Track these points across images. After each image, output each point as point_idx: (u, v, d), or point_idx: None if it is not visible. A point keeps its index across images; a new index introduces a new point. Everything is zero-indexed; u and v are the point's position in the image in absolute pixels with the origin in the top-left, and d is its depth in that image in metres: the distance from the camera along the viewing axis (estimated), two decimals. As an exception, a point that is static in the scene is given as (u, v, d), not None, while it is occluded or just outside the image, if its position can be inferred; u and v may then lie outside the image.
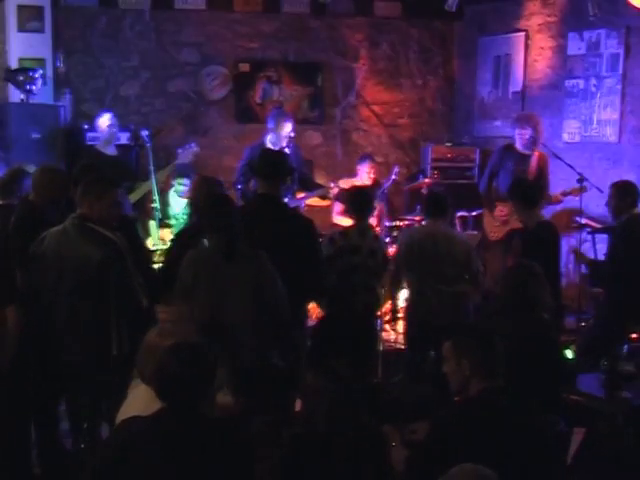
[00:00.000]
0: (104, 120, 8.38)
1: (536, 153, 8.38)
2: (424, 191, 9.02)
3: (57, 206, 5.94)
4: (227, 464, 3.22)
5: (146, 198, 8.06)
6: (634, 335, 6.46)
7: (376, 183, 9.10)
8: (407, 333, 6.90)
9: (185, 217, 7.80)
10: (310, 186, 8.72)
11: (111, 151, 8.42)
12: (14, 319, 4.86)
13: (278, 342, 5.42)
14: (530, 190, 6.95)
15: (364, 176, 9.05)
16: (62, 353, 5.05)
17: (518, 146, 8.38)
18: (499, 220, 8.34)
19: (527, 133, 8.32)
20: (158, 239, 7.79)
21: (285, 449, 3.73)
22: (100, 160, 7.98)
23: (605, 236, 7.84)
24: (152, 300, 5.31)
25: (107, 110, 8.67)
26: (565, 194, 8.24)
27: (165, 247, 7.01)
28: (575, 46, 9.24)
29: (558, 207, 8.81)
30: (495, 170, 8.49)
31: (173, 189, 8.38)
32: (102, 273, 4.97)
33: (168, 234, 7.71)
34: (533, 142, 8.34)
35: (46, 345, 5.06)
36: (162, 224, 7.95)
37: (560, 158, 8.51)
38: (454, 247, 6.47)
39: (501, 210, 8.33)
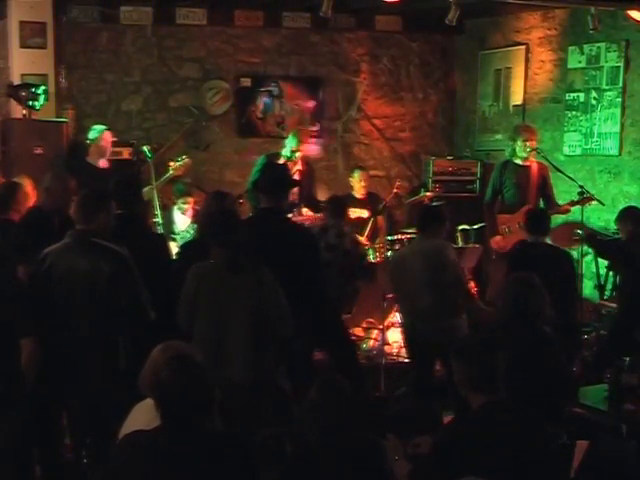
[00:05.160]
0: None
1: (534, 163, 8.40)
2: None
3: (61, 214, 5.98)
4: (230, 479, 3.22)
5: (148, 213, 8.08)
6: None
7: (372, 195, 9.15)
8: (408, 350, 6.95)
9: (190, 233, 7.85)
10: (313, 203, 8.70)
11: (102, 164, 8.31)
12: (30, 352, 4.84)
13: (281, 358, 5.41)
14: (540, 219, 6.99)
15: (357, 186, 9.10)
16: (69, 367, 5.04)
17: (519, 157, 8.39)
18: (503, 233, 8.34)
19: (534, 142, 8.35)
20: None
21: (287, 463, 3.74)
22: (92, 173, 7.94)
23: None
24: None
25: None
26: (573, 204, 8.26)
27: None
28: (575, 59, 9.26)
29: (560, 220, 8.82)
30: (498, 186, 8.50)
31: (176, 207, 8.46)
32: (113, 286, 4.97)
33: (173, 248, 7.73)
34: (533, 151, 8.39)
35: (52, 361, 5.04)
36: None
37: (561, 171, 8.53)
38: (437, 261, 6.46)
39: (503, 223, 8.34)
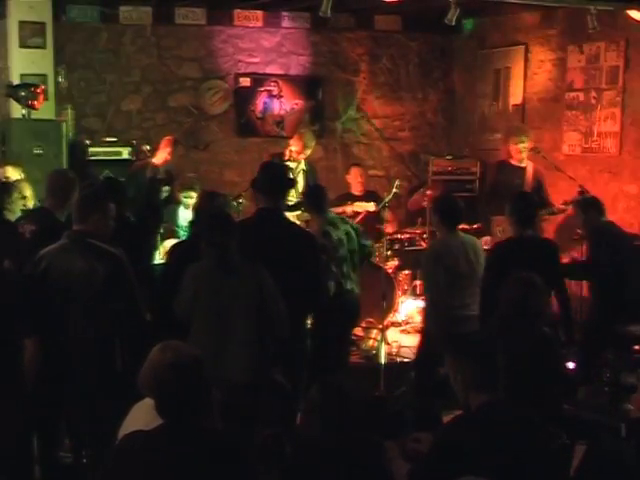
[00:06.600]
0: None
1: (531, 165, 8.41)
2: (425, 204, 9.03)
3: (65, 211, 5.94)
4: (229, 479, 3.22)
5: None
6: (637, 347, 6.47)
7: (370, 193, 9.14)
8: (422, 345, 6.84)
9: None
10: None
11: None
12: (31, 353, 4.84)
13: (279, 358, 5.41)
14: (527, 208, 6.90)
15: (353, 182, 9.10)
16: (68, 367, 5.04)
17: (514, 159, 8.40)
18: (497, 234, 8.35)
19: (528, 145, 8.35)
20: (163, 253, 7.79)
21: (287, 463, 3.74)
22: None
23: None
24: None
25: None
26: (567, 204, 8.25)
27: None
28: (575, 59, 9.27)
29: (559, 219, 8.82)
30: (494, 185, 8.50)
31: (181, 203, 8.44)
32: (108, 288, 4.97)
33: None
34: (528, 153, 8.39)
35: (51, 362, 5.05)
36: (169, 236, 7.98)
37: (561, 170, 8.53)
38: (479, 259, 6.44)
39: (498, 224, 8.33)
